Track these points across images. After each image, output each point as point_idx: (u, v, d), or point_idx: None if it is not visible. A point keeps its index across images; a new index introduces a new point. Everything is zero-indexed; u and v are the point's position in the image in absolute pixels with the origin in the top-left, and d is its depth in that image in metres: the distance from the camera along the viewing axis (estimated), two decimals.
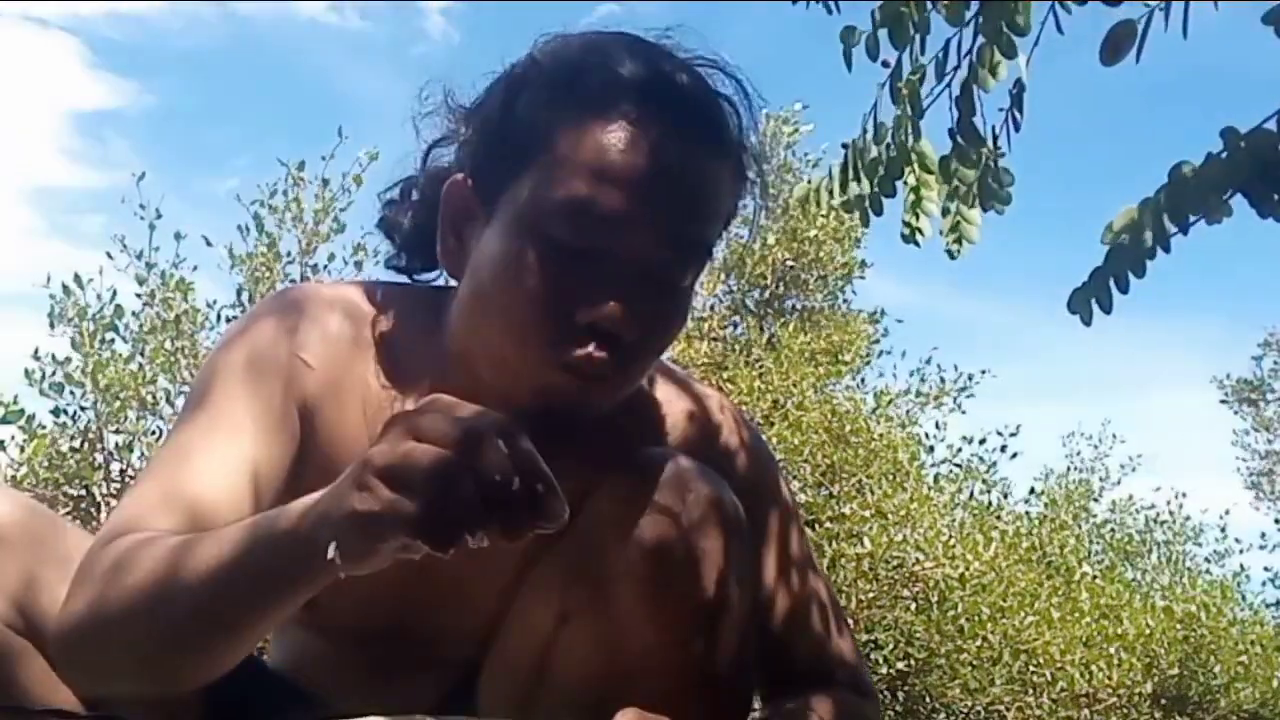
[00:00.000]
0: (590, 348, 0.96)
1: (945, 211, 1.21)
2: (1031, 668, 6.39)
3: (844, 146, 1.22)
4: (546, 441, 1.02)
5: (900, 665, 6.43)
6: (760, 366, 6.72)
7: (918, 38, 1.13)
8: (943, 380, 7.38)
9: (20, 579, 0.98)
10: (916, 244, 1.22)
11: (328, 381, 1.05)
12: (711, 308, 7.74)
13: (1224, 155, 1.08)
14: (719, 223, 1.03)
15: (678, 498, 0.97)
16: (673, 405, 1.15)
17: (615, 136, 0.96)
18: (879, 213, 1.20)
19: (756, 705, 1.10)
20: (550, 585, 1.01)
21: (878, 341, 7.61)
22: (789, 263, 7.60)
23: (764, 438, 1.20)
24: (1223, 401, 14.78)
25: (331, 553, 0.74)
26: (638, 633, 0.98)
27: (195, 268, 5.49)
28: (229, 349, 1.06)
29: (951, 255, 1.21)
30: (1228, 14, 1.04)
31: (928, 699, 6.53)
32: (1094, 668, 6.53)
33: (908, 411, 7.28)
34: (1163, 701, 7.08)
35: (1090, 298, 1.08)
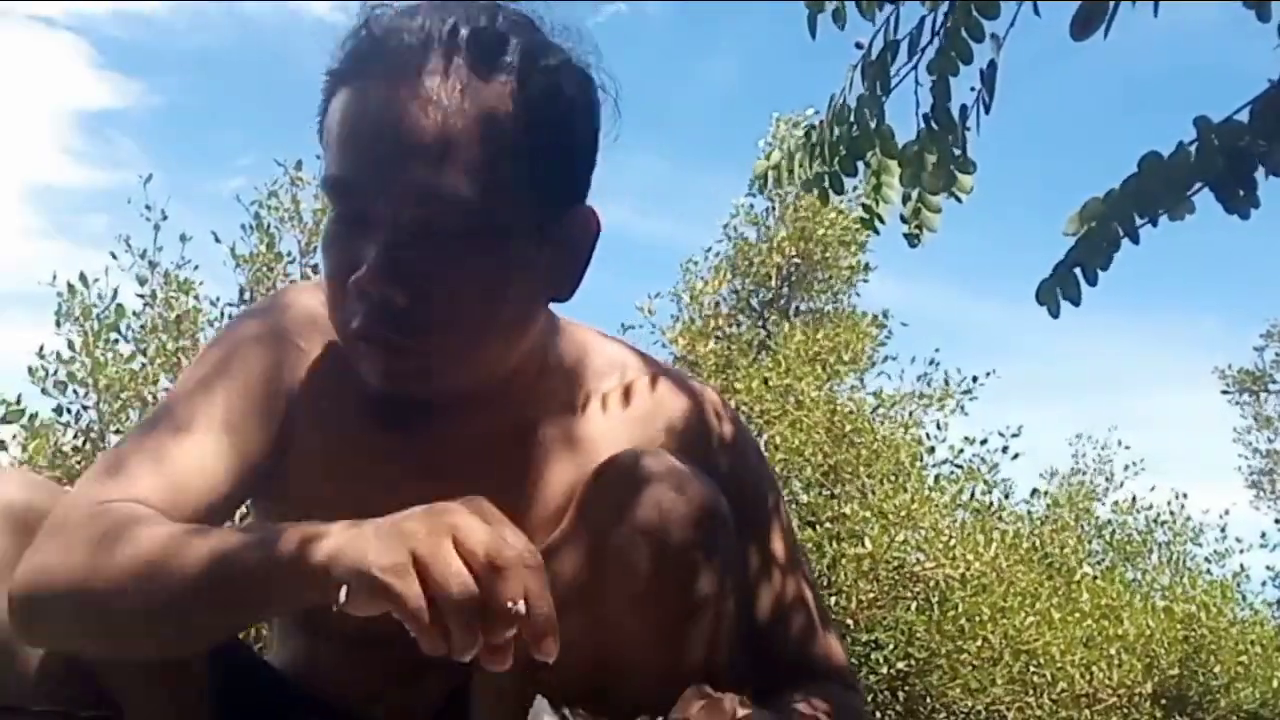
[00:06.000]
0: (359, 317, 0.97)
1: (906, 198, 1.20)
2: (1032, 668, 6.38)
3: (810, 126, 1.22)
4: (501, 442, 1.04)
5: (901, 665, 6.42)
6: (761, 366, 6.71)
7: (892, 17, 1.12)
8: (947, 383, 7.35)
9: None
10: (875, 230, 1.22)
11: (312, 368, 1.10)
12: (716, 306, 7.74)
13: (1194, 146, 1.07)
14: (484, 169, 0.97)
15: (666, 496, 0.96)
16: (665, 402, 1.14)
17: (350, 106, 0.99)
18: (840, 191, 1.20)
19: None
20: None
21: (884, 344, 7.59)
22: (795, 260, 7.59)
23: (755, 437, 1.20)
24: (1224, 392, 14.65)
25: (343, 597, 0.78)
26: (625, 630, 0.97)
27: (196, 267, 5.50)
28: (228, 335, 1.12)
29: (911, 243, 1.20)
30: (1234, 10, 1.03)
31: (928, 699, 6.52)
32: (1094, 668, 6.52)
33: (910, 413, 7.27)
34: (1163, 701, 7.06)
35: (1056, 289, 1.07)
